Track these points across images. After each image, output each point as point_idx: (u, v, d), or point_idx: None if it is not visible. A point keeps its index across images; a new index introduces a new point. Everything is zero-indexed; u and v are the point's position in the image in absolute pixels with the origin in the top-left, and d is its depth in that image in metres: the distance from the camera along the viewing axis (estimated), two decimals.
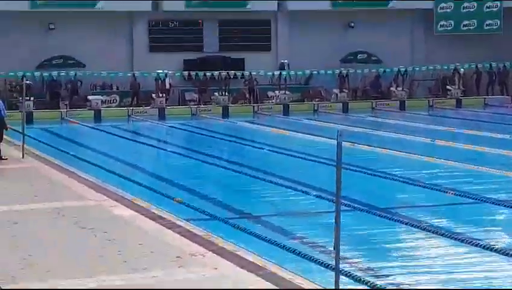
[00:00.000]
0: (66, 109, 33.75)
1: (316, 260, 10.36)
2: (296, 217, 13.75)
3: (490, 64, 35.78)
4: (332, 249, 8.22)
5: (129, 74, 34.97)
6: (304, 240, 11.87)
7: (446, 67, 35.94)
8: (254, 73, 34.99)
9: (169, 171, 19.43)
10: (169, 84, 35.07)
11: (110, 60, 35.23)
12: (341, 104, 34.90)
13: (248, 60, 36.76)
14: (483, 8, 38.83)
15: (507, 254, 10.63)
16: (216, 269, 9.25)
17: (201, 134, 27.77)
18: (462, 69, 35.66)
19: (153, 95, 34.28)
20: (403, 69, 36.03)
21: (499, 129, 26.31)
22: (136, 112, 33.68)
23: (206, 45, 37.32)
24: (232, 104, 34.79)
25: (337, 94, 35.51)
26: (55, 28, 35.36)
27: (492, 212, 13.83)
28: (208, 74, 34.25)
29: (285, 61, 36.54)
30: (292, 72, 35.61)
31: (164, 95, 34.18)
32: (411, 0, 37.60)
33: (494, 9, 38.82)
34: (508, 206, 13.80)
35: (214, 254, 9.93)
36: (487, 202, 14.31)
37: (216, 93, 34.90)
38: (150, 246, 10.30)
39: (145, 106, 34.31)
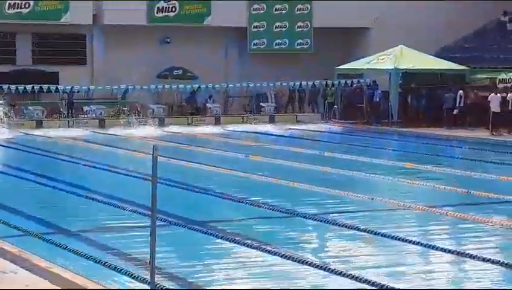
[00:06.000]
0: None
1: (131, 275, 10.41)
2: (112, 232, 13.72)
3: (300, 83, 36.96)
4: (148, 263, 8.35)
5: None
6: (121, 254, 11.88)
7: (259, 84, 36.83)
8: (69, 87, 34.43)
9: None
10: None
11: None
12: (157, 119, 34.99)
13: (63, 74, 36.19)
14: (294, 28, 40.15)
15: (310, 264, 11.16)
16: (27, 286, 9.12)
17: (14, 148, 27.04)
18: (273, 90, 36.61)
19: None
20: (218, 86, 36.60)
21: (310, 145, 27.36)
22: None
23: (19, 58, 36.43)
24: (46, 118, 34.09)
25: (153, 109, 35.61)
26: None
27: (302, 225, 14.40)
28: (21, 87, 33.37)
29: None
30: (108, 87, 35.35)
31: None
32: (226, 18, 38.31)
33: (305, 29, 40.25)
34: (313, 219, 14.45)
35: (26, 271, 9.78)
36: (298, 215, 14.89)
37: (30, 107, 34.08)
38: None
39: None
